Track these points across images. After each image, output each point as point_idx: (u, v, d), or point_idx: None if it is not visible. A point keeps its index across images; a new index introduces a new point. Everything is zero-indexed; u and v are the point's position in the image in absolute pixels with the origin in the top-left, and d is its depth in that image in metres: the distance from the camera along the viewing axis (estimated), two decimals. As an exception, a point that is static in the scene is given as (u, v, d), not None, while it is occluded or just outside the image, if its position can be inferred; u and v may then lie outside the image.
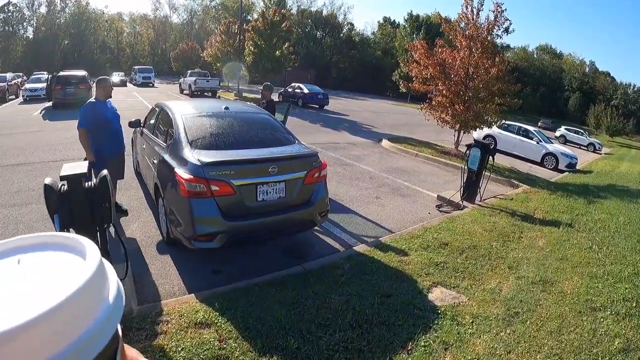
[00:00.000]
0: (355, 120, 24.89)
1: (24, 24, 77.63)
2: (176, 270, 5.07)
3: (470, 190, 8.71)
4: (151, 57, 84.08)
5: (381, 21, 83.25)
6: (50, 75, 25.81)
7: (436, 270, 5.25)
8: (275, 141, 5.81)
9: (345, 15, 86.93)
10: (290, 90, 32.65)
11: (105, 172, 3.48)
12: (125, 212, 6.53)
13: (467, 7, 14.36)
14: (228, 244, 4.85)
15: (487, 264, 5.62)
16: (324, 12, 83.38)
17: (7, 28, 73.47)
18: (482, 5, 14.20)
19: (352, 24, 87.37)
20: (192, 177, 4.64)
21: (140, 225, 6.29)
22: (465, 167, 8.75)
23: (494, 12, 14.00)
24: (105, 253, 3.45)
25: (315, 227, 6.11)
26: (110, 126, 6.16)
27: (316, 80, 58.90)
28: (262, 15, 33.05)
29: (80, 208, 3.23)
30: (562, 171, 16.95)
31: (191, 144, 5.19)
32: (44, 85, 26.05)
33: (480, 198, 8.92)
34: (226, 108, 6.27)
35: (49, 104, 22.23)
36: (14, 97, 29.11)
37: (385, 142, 16.09)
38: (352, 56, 75.60)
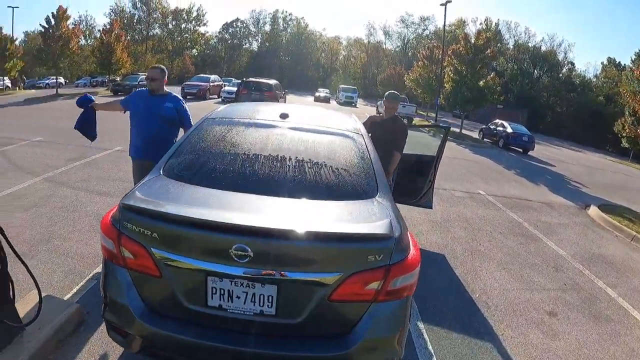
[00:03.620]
0: (561, 173, 20.95)
1: (249, 38, 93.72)
2: (118, 352, 3.52)
3: None
4: (361, 80, 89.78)
5: (605, 63, 73.70)
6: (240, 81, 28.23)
7: None
8: (323, 190, 3.06)
9: (565, 54, 78.66)
10: (492, 127, 29.86)
11: None
12: None
13: None
14: (149, 354, 2.86)
15: None
16: (543, 48, 76.93)
17: (234, 41, 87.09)
18: None
19: (572, 64, 78.81)
20: (108, 223, 2.75)
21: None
22: None
23: None
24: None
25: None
26: (137, 121, 5.12)
27: (528, 122, 54.24)
28: (464, 38, 30.56)
29: None
30: None
31: (166, 166, 3.25)
32: (241, 89, 28.88)
33: None
34: (283, 116, 3.96)
35: (238, 105, 24.84)
36: (215, 96, 33.24)
37: (593, 210, 12.20)
38: (570, 99, 67.81)
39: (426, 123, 31.23)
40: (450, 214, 9.19)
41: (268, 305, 2.56)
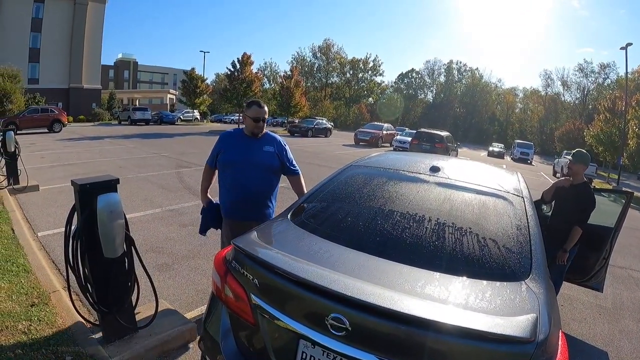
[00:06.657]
0: None
1: (424, 89, 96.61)
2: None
3: None
4: (538, 135, 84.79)
5: None
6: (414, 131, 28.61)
7: None
8: (459, 262, 2.45)
9: None
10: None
11: None
12: None
13: None
14: None
15: None
16: None
17: (410, 91, 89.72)
18: None
19: None
20: (221, 257, 2.66)
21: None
22: None
23: None
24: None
25: None
26: (232, 171, 3.91)
27: None
28: (646, 84, 26.51)
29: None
30: None
31: (295, 212, 3.08)
32: (412, 139, 29.39)
33: None
34: (433, 169, 3.48)
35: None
36: (387, 145, 33.92)
37: None
38: None
39: (606, 187, 27.75)
40: (623, 299, 6.94)
41: None
